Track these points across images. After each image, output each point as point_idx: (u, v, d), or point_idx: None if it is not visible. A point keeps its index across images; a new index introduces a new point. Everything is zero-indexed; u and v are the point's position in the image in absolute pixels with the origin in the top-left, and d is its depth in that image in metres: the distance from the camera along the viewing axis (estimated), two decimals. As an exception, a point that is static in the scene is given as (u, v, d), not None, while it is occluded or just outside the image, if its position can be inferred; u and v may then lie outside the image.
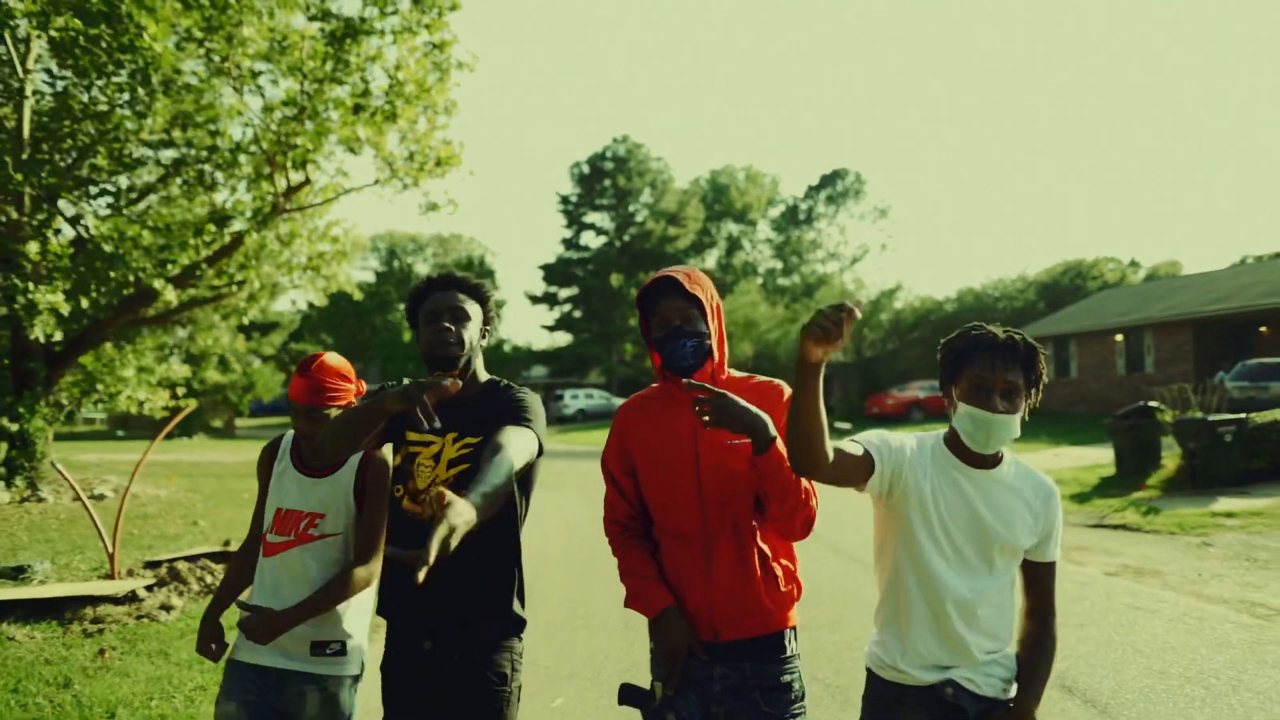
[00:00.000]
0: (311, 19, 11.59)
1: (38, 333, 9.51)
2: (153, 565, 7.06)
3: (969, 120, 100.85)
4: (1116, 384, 25.58)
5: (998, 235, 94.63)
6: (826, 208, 59.61)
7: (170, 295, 10.87)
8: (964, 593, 1.93)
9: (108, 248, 9.99)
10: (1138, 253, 78.92)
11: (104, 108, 9.96)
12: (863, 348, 41.57)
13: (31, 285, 9.33)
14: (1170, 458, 11.76)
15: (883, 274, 70.78)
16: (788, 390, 2.09)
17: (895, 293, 42.51)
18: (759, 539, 2.05)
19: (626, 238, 50.10)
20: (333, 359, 2.37)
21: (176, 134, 10.90)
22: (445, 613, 2.16)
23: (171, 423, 7.81)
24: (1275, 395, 16.98)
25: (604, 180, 50.26)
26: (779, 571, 2.07)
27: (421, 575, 1.42)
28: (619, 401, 41.82)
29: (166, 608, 5.84)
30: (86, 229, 10.71)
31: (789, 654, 2.06)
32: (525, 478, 2.24)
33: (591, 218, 51.24)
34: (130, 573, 6.83)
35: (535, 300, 52.14)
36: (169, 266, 11.08)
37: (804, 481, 1.95)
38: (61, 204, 10.65)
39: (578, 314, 50.76)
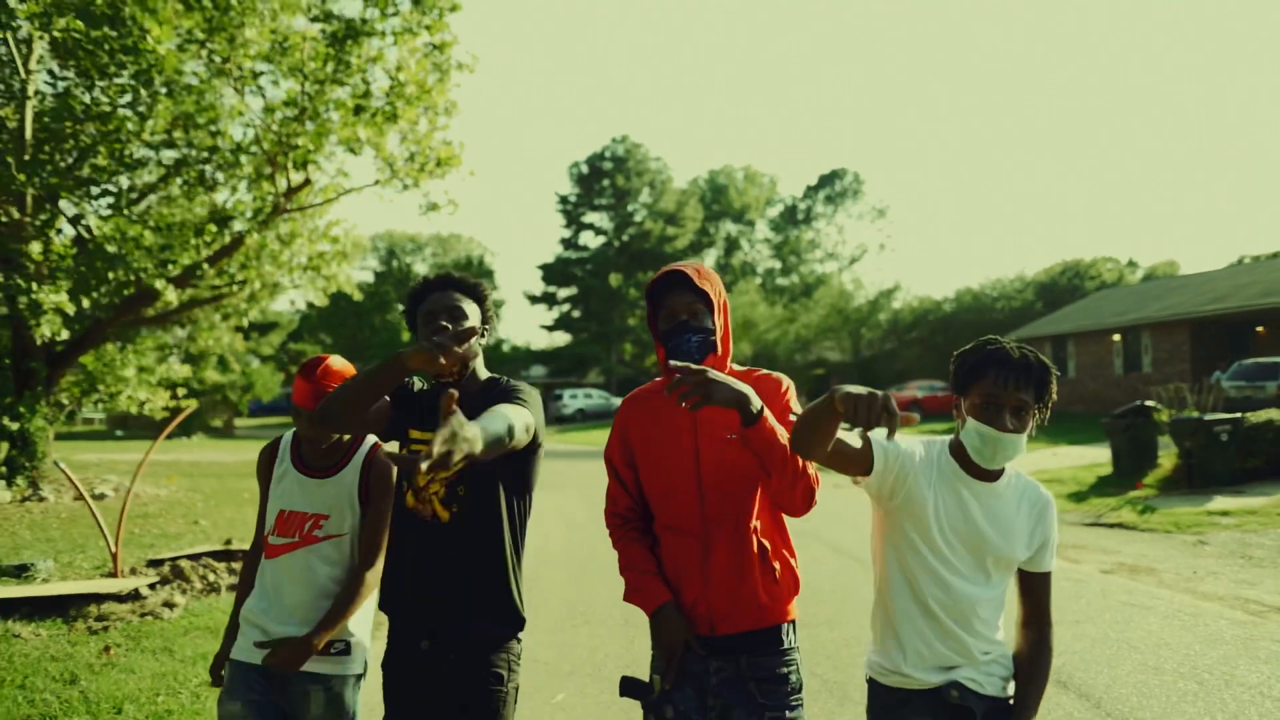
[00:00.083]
0: (313, 20, 11.63)
1: (45, 332, 9.55)
2: (155, 564, 7.10)
3: (967, 120, 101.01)
4: (1114, 383, 25.66)
5: (996, 235, 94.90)
6: (825, 208, 59.70)
7: (171, 296, 10.91)
8: (962, 600, 1.96)
9: (110, 248, 10.02)
10: (1136, 253, 79.06)
11: (106, 109, 9.99)
12: (861, 347, 41.66)
13: (35, 285, 9.37)
14: (1167, 457, 11.82)
15: (881, 274, 70.98)
16: (785, 381, 2.15)
17: (894, 293, 42.62)
18: (758, 534, 2.07)
19: (625, 237, 50.12)
20: (337, 362, 2.36)
21: (178, 134, 10.93)
22: (443, 613, 2.17)
23: (173, 423, 7.85)
24: (1271, 395, 17.05)
25: (603, 180, 50.27)
26: (777, 566, 2.08)
27: (425, 466, 1.40)
28: (618, 401, 41.87)
29: (170, 605, 5.89)
30: (88, 229, 10.75)
31: (786, 646, 2.07)
32: (525, 476, 2.25)
33: (590, 218, 51.26)
34: (133, 571, 6.88)
35: (534, 300, 52.14)
36: (170, 266, 11.11)
37: None
38: (62, 204, 10.68)
39: (576, 314, 50.76)
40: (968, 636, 1.97)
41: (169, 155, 11.99)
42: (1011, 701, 2.01)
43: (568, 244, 51.68)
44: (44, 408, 11.28)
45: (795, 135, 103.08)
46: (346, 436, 2.43)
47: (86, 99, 10.18)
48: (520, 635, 2.24)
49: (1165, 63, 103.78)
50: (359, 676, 2.39)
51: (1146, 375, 23.97)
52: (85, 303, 10.36)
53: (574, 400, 41.25)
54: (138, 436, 32.51)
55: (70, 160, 10.41)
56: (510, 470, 2.22)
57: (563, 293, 51.49)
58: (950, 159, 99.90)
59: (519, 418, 1.88)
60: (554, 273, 51.33)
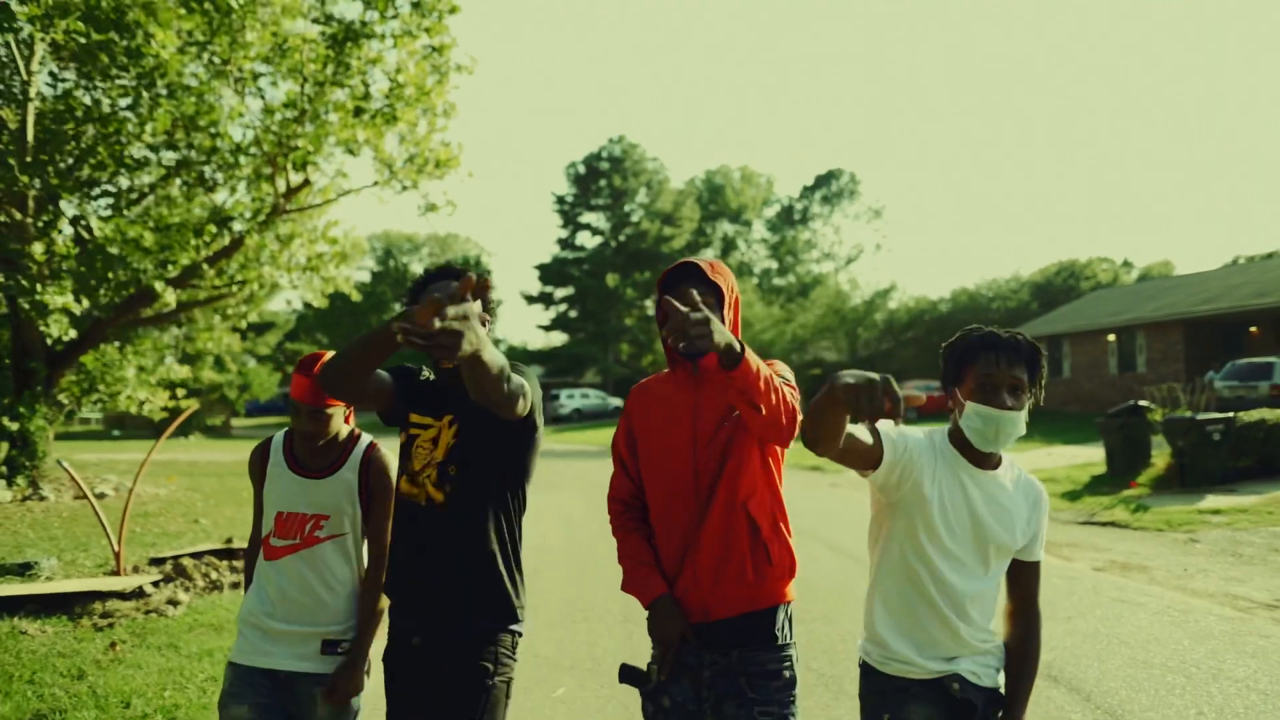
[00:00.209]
0: (313, 22, 11.70)
1: (54, 332, 9.60)
2: (158, 562, 7.17)
3: (963, 121, 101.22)
4: (1109, 383, 25.78)
5: (992, 235, 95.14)
6: (821, 208, 59.83)
7: (170, 297, 10.96)
8: (961, 590, 1.98)
9: (111, 249, 10.07)
10: (1131, 253, 79.13)
11: (107, 110, 10.04)
12: (857, 347, 41.79)
13: (40, 286, 9.42)
14: (1160, 456, 11.91)
15: (877, 274, 71.12)
16: (784, 369, 2.20)
17: (890, 293, 42.75)
18: (749, 514, 2.08)
19: (622, 238, 50.15)
20: None
21: (178, 136, 10.99)
22: (437, 601, 2.17)
23: (175, 423, 7.91)
24: (1263, 394, 17.17)
25: (600, 180, 50.31)
26: (771, 547, 2.09)
27: (422, 306, 1.44)
28: (615, 401, 41.96)
29: (174, 603, 5.95)
30: (88, 229, 10.79)
31: (780, 642, 2.09)
32: (520, 465, 2.23)
33: (587, 218, 51.28)
34: (135, 569, 6.94)
35: (531, 300, 52.16)
36: (169, 267, 11.16)
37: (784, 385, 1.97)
38: (63, 204, 10.73)
39: (573, 314, 50.78)
40: (965, 626, 1.99)
41: (169, 156, 12.04)
42: (1003, 692, 2.04)
43: (564, 244, 51.71)
44: (44, 407, 11.33)
45: (792, 135, 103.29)
46: (342, 436, 2.44)
47: (87, 100, 10.23)
48: (515, 629, 2.22)
49: (1161, 63, 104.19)
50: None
51: (1141, 375, 24.09)
52: (86, 303, 10.41)
53: (571, 400, 41.26)
54: (135, 436, 32.51)
55: (71, 161, 10.46)
56: (505, 455, 2.21)
57: (559, 293, 51.51)
58: (946, 159, 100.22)
59: (516, 377, 1.89)
60: (551, 273, 51.35)
